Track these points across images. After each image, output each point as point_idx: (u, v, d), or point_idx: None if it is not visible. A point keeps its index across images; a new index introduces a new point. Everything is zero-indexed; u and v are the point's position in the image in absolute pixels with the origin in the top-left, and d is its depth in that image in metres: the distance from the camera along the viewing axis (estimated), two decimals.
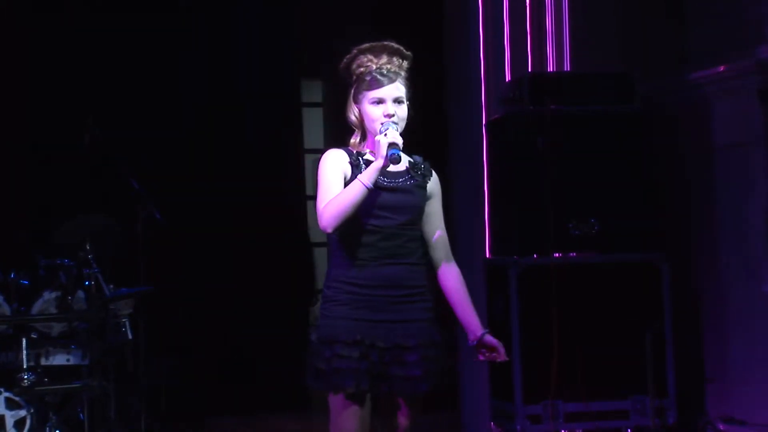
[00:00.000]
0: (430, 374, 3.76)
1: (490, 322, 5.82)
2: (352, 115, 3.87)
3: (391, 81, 3.79)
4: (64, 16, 7.76)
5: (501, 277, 5.86)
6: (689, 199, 6.38)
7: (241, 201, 8.05)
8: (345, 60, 3.86)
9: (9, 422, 5.88)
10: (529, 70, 6.39)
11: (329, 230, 3.72)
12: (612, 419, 5.80)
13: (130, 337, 6.26)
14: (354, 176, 3.74)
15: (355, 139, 3.89)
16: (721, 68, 6.04)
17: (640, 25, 6.59)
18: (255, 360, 8.04)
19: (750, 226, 5.94)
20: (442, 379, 3.81)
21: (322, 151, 3.93)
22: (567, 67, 6.43)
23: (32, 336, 6.12)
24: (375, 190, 3.72)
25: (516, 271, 5.76)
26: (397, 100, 3.79)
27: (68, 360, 6.19)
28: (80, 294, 6.24)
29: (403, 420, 3.83)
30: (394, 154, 3.68)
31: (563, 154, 5.84)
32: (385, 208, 3.76)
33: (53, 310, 6.18)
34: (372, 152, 3.78)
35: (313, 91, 9.28)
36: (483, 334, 3.87)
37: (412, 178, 3.86)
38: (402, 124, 3.80)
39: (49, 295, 6.22)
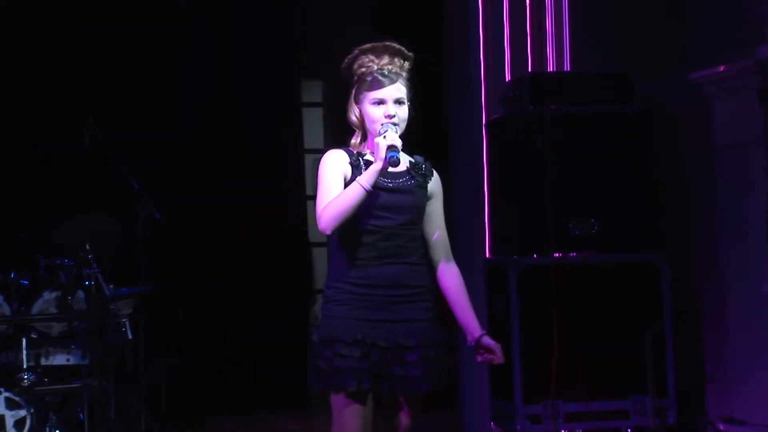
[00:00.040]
0: (431, 374, 3.76)
1: (490, 322, 5.83)
2: (353, 116, 3.87)
3: (393, 82, 3.79)
4: (64, 16, 7.77)
5: (501, 277, 5.86)
6: (689, 199, 6.38)
7: (241, 201, 8.05)
8: (346, 60, 3.86)
9: (9, 422, 5.88)
10: (529, 70, 6.39)
11: (328, 232, 3.72)
12: (612, 419, 5.79)
13: (130, 337, 6.26)
14: (354, 177, 3.74)
15: (355, 140, 3.89)
16: (721, 68, 6.04)
17: (640, 25, 6.59)
18: (255, 360, 8.04)
19: (750, 226, 5.94)
20: (442, 379, 3.81)
21: (322, 151, 3.93)
22: (567, 67, 6.43)
23: (32, 336, 6.12)
24: (375, 191, 3.72)
25: (516, 271, 5.76)
26: (398, 101, 3.79)
27: (68, 360, 6.19)
28: (80, 294, 6.25)
29: (404, 419, 3.83)
30: (392, 156, 3.67)
31: (563, 154, 5.83)
32: (385, 209, 3.76)
33: (53, 310, 6.18)
34: (372, 153, 3.77)
35: (313, 91, 9.28)
36: (481, 336, 3.87)
37: (412, 178, 3.85)
38: (403, 125, 3.80)
39: (49, 295, 6.22)
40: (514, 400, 5.72)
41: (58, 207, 7.17)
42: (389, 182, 3.79)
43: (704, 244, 6.29)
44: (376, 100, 3.78)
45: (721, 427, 5.98)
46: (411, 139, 3.84)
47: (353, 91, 3.85)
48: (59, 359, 6.18)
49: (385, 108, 3.77)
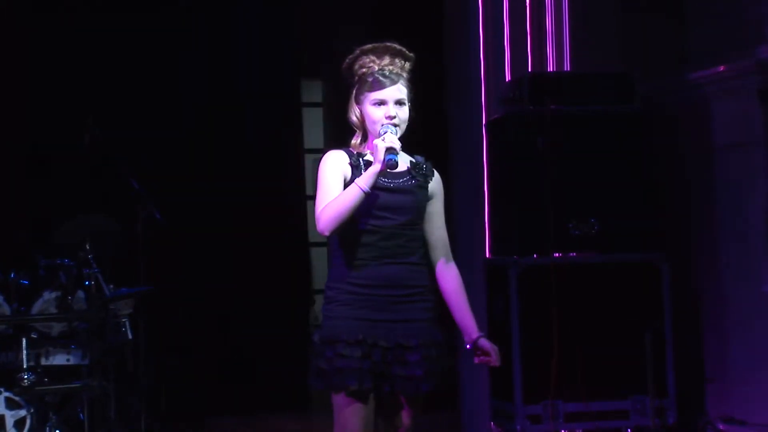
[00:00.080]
0: (432, 374, 3.76)
1: (490, 322, 5.83)
2: (354, 116, 3.86)
3: (393, 83, 3.79)
4: (64, 16, 7.77)
5: (501, 277, 5.86)
6: (689, 199, 6.38)
7: (241, 201, 8.06)
8: (347, 60, 3.86)
9: (9, 422, 5.88)
10: (529, 70, 6.39)
11: (326, 233, 3.72)
12: (612, 419, 5.80)
13: (130, 337, 6.26)
14: (354, 177, 3.74)
15: (356, 140, 3.88)
16: (721, 68, 6.05)
17: (640, 25, 6.59)
18: (255, 360, 8.04)
19: (750, 226, 5.94)
20: (443, 379, 3.81)
21: (322, 151, 3.93)
22: (567, 67, 6.43)
23: (32, 336, 6.12)
24: (375, 191, 3.71)
25: (516, 271, 5.76)
26: (399, 102, 3.79)
27: (68, 360, 6.19)
28: (80, 294, 6.25)
29: (405, 419, 3.83)
30: (391, 159, 3.67)
31: (563, 154, 5.84)
32: (385, 209, 3.76)
33: (53, 310, 6.18)
34: (373, 153, 3.77)
35: (313, 91, 9.28)
36: (478, 338, 3.86)
37: (413, 178, 3.85)
38: (403, 126, 3.80)
39: (49, 295, 6.22)
40: (514, 400, 5.72)
41: (58, 207, 7.17)
42: (389, 182, 3.79)
43: (704, 244, 6.29)
44: (377, 101, 3.78)
45: (721, 427, 5.98)
46: (411, 139, 3.83)
47: (354, 91, 3.84)
48: (59, 359, 6.18)
49: (386, 109, 3.77)
